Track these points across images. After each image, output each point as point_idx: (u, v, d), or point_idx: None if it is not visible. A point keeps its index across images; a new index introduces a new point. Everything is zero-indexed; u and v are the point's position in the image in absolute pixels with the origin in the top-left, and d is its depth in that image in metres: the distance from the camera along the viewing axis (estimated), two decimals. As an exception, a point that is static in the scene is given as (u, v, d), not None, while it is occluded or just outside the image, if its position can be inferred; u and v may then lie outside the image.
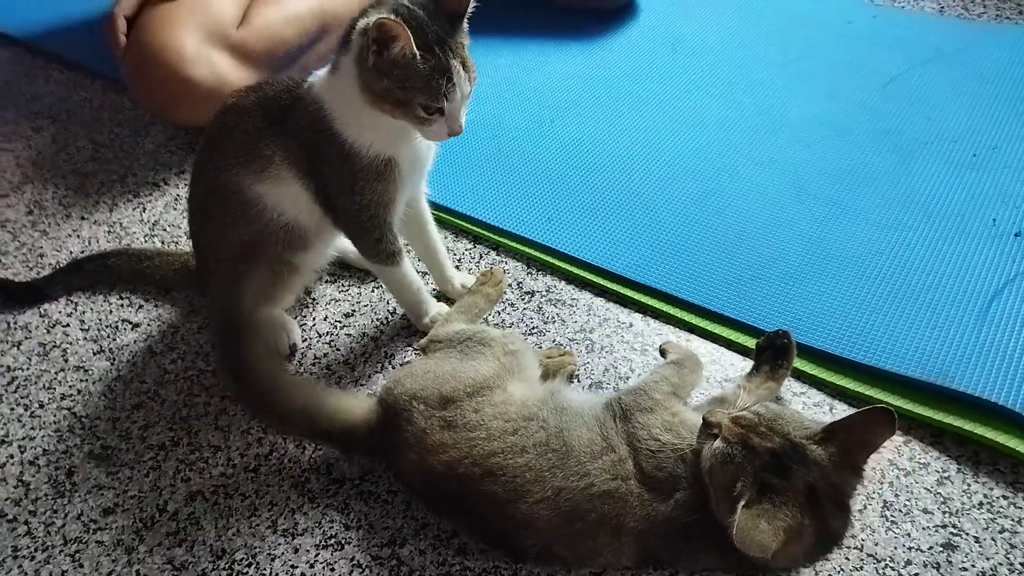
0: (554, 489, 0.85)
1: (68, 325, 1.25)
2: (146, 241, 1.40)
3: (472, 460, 0.88)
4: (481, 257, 1.31)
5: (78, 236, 1.43)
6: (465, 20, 0.95)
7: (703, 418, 0.85)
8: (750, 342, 1.12)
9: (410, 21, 0.89)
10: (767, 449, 0.78)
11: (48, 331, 1.25)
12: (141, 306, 1.28)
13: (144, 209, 1.47)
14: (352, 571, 0.92)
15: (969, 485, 0.96)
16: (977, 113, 1.48)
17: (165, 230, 1.42)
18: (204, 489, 1.01)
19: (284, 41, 1.52)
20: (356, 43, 0.94)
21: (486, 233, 1.34)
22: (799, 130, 1.49)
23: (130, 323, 1.25)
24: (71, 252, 1.39)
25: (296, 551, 0.94)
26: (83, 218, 1.47)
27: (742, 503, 0.75)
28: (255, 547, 0.95)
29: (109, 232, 1.43)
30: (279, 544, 0.95)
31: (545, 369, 1.06)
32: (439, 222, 1.35)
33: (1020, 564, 0.88)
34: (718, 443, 0.80)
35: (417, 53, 0.89)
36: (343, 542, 0.94)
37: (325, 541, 0.95)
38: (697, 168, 1.42)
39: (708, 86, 1.62)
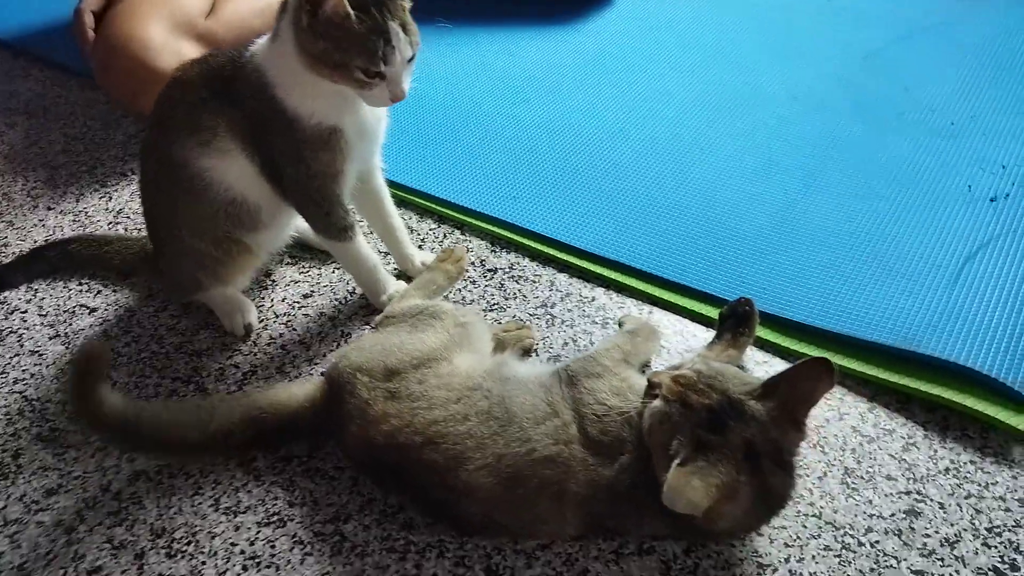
0: (495, 455, 0.82)
1: (26, 312, 1.24)
2: (110, 228, 1.39)
3: (413, 429, 0.85)
4: (445, 236, 1.29)
5: (43, 225, 1.42)
6: (408, -19, 0.92)
7: (647, 379, 0.81)
8: (715, 313, 1.08)
9: (347, -18, 0.87)
10: (704, 406, 0.75)
11: (6, 318, 1.23)
12: (100, 291, 1.26)
13: (110, 198, 1.46)
14: (293, 548, 0.89)
15: (936, 451, 0.92)
16: (957, 83, 1.45)
17: (129, 217, 1.41)
18: (148, 469, 0.99)
19: (252, 30, 1.51)
20: (291, 4, 0.92)
21: (451, 212, 1.31)
22: (774, 105, 1.46)
23: (87, 308, 1.23)
24: (35, 241, 1.38)
25: (237, 528, 0.91)
26: (49, 208, 1.46)
27: (677, 461, 0.72)
28: (196, 525, 0.92)
29: (74, 221, 1.42)
30: (220, 522, 0.92)
31: (500, 342, 1.03)
32: (403, 203, 1.34)
33: (985, 529, 0.84)
34: (657, 402, 0.77)
35: (351, 12, 0.86)
36: (286, 519, 0.92)
37: (267, 518, 0.92)
38: (666, 143, 1.39)
39: (682, 66, 1.59)
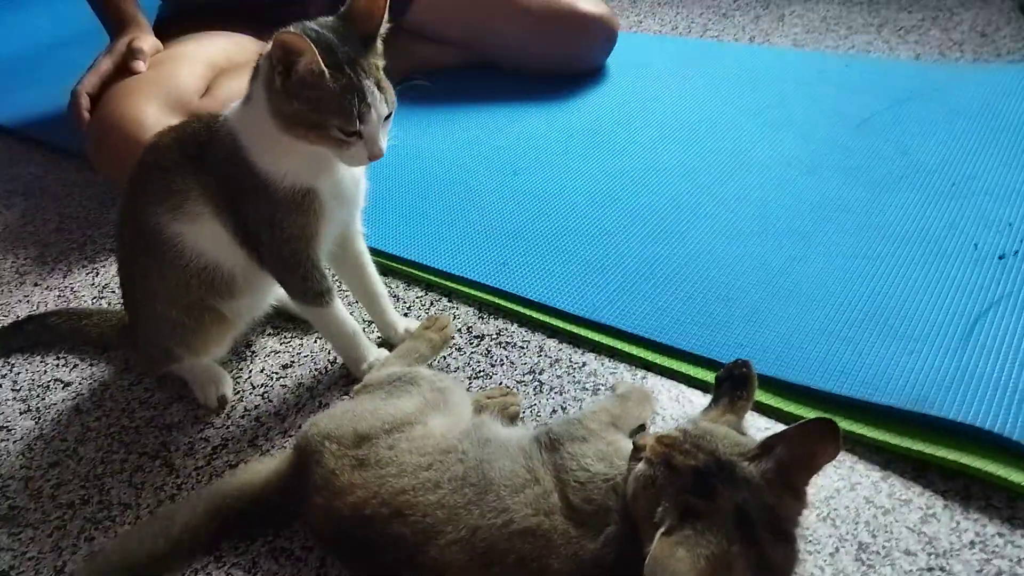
0: (469, 528, 0.75)
1: (0, 386, 1.20)
2: (94, 303, 1.36)
3: (380, 500, 0.78)
4: (432, 304, 1.25)
5: (28, 301, 1.39)
6: (379, 40, 0.92)
7: (633, 442, 0.75)
8: (712, 377, 1.02)
9: (317, 41, 0.86)
10: (690, 467, 0.68)
11: (-23, 393, 1.19)
12: (76, 364, 1.22)
13: (97, 274, 1.44)
14: (251, 636, 0.81)
15: (958, 523, 0.83)
16: (954, 146, 1.42)
17: (113, 292, 1.38)
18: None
19: None
20: (263, 68, 0.91)
21: (438, 280, 1.28)
22: (767, 170, 1.43)
23: (62, 382, 1.19)
24: (18, 316, 1.35)
25: (192, 615, 0.84)
26: (36, 284, 1.44)
27: (662, 530, 0.64)
28: (148, 611, 0.84)
29: (59, 296, 1.39)
30: (175, 607, 0.84)
31: (482, 409, 0.97)
32: (389, 271, 1.30)
33: (1022, 611, 0.75)
34: (641, 465, 0.71)
35: (325, 70, 0.85)
36: (245, 604, 0.84)
37: (225, 603, 0.84)
38: (660, 210, 1.36)
39: (674, 137, 1.58)
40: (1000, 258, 1.13)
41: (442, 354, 1.13)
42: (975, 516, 0.84)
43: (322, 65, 0.85)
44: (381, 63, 0.92)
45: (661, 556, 0.62)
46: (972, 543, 0.81)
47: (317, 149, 0.92)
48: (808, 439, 0.68)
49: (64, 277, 1.45)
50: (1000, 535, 0.81)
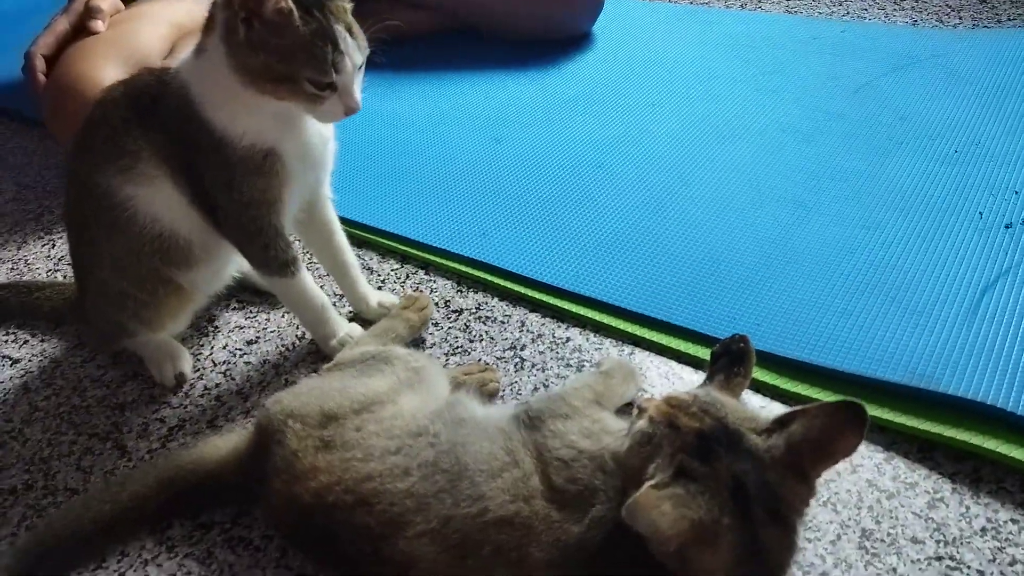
0: (440, 518, 0.68)
1: (-58, 365, 1.12)
2: (49, 276, 1.28)
3: (344, 487, 0.71)
4: (407, 277, 1.17)
5: (-23, 274, 1.31)
6: (346, -21, 0.84)
7: (636, 405, 0.69)
8: (704, 353, 0.96)
9: (281, -18, 0.78)
10: (693, 429, 0.62)
11: (-82, 371, 1.11)
12: (26, 341, 1.14)
13: (53, 245, 1.36)
14: (204, 633, 0.74)
15: (968, 508, 0.78)
16: (956, 111, 1.36)
17: (69, 264, 1.29)
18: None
19: None
20: (220, 19, 0.83)
21: (414, 251, 1.20)
22: (762, 138, 1.36)
23: (10, 359, 1.11)
24: (-34, 290, 1.26)
25: (140, 610, 0.77)
26: (-13, 257, 1.35)
27: (651, 482, 0.59)
28: (92, 606, 0.78)
29: (12, 269, 1.31)
30: (121, 602, 0.78)
31: (458, 385, 0.90)
32: (364, 243, 1.23)
33: (1038, 602, 0.69)
34: (642, 422, 0.65)
35: (295, 10, 0.77)
36: (198, 597, 0.77)
37: (177, 597, 0.77)
38: (649, 178, 1.29)
39: (664, 103, 1.51)
40: (1007, 227, 1.08)
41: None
42: (986, 501, 0.78)
43: (292, 4, 0.77)
44: (349, 5, 0.84)
45: (644, 504, 0.56)
46: (983, 530, 0.75)
47: (282, 105, 0.85)
48: (829, 421, 0.61)
49: (18, 249, 1.36)
50: (1014, 521, 0.76)
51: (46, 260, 1.32)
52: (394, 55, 0.87)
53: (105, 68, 1.35)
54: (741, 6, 1.95)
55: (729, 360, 0.87)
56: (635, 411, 0.70)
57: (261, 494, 0.78)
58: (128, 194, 0.92)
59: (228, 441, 0.83)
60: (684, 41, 1.74)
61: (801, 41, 1.67)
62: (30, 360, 1.11)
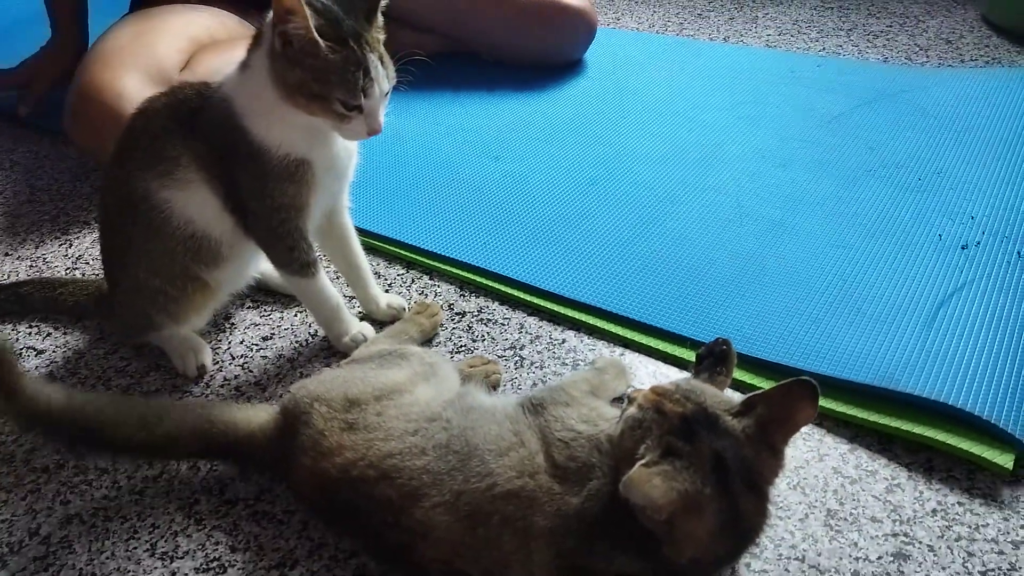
0: (453, 492, 0.76)
1: (-30, 354, 1.17)
2: (67, 274, 1.35)
3: (367, 462, 0.79)
4: (413, 281, 1.26)
5: (-2, 271, 1.37)
6: (380, 14, 0.93)
7: (627, 395, 0.78)
8: (687, 355, 1.05)
9: (323, 12, 0.87)
10: (677, 414, 0.71)
11: (-54, 360, 1.16)
12: (50, 334, 1.20)
13: (70, 244, 1.42)
14: (233, 595, 0.81)
15: (921, 492, 0.87)
16: (921, 143, 1.47)
17: (87, 263, 1.37)
18: (83, 512, 0.91)
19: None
20: (266, 34, 0.91)
21: (420, 258, 1.29)
22: (741, 162, 1.47)
23: (35, 350, 1.17)
24: (-12, 286, 1.33)
25: (173, 575, 0.84)
26: (7, 254, 1.41)
27: (642, 461, 0.67)
28: (128, 570, 0.84)
29: (31, 267, 1.37)
30: (155, 568, 0.84)
31: (468, 378, 0.99)
32: (372, 250, 1.31)
33: (979, 572, 0.79)
34: (632, 409, 0.74)
35: (316, 33, 0.86)
36: (226, 565, 0.84)
37: (207, 564, 0.84)
38: (637, 197, 1.39)
39: (653, 128, 1.62)
40: (963, 248, 1.18)
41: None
42: (937, 486, 0.88)
43: (312, 27, 0.86)
44: (382, 37, 0.93)
45: (638, 480, 0.65)
46: (934, 511, 0.85)
47: (315, 120, 0.93)
48: (788, 398, 0.71)
49: (36, 248, 1.42)
50: (960, 504, 0.85)
51: (64, 259, 1.39)
52: (402, 76, 0.97)
53: (125, 78, 1.43)
54: (724, 39, 2.07)
55: (713, 361, 0.96)
56: (626, 400, 0.79)
57: (286, 470, 0.86)
58: (165, 197, 0.99)
59: (258, 416, 0.89)
60: (671, 70, 1.85)
61: (780, 74, 1.79)
62: (54, 351, 1.17)
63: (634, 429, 0.72)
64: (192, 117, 0.99)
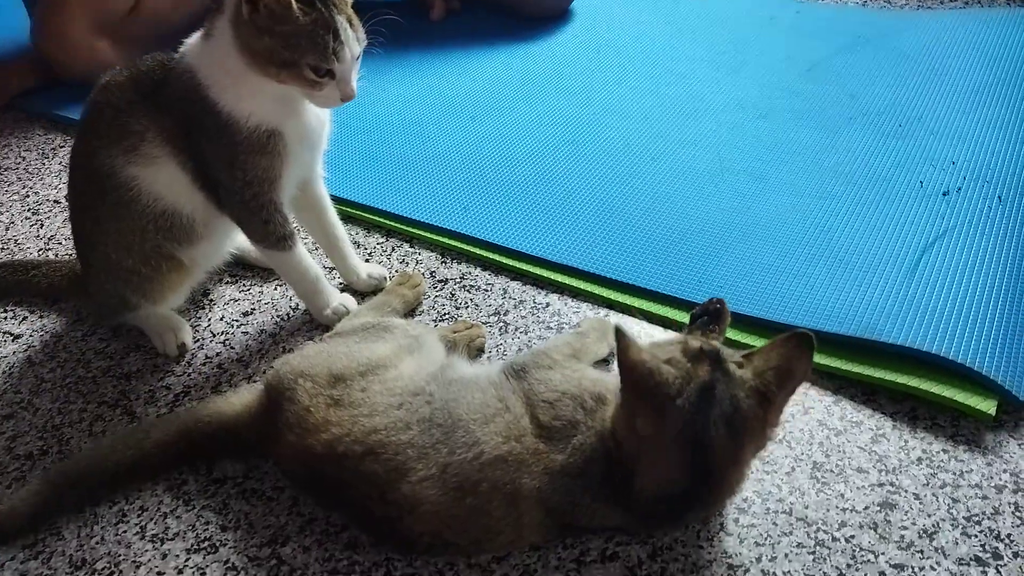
0: (439, 465, 0.76)
1: (-56, 342, 1.16)
2: (40, 255, 1.32)
3: (353, 438, 0.79)
4: (394, 250, 1.24)
5: (-32, 255, 1.34)
6: (345, -26, 0.89)
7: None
8: (671, 314, 1.05)
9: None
10: (696, 346, 0.74)
11: (-79, 348, 1.14)
12: (25, 317, 1.18)
13: (41, 225, 1.39)
14: (226, 574, 0.81)
15: (907, 441, 0.88)
16: (901, 88, 1.46)
17: (60, 244, 1.34)
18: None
19: (170, 24, 1.52)
20: (230, 3, 0.88)
21: (400, 226, 1.27)
22: (722, 114, 1.45)
23: (11, 334, 1.15)
24: (-42, 271, 1.30)
25: (164, 557, 0.83)
26: (-24, 238, 1.38)
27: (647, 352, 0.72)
28: (119, 555, 0.84)
29: (2, 249, 1.34)
30: (146, 551, 0.84)
31: (452, 344, 0.98)
32: (350, 218, 1.29)
33: (964, 519, 0.80)
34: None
35: (294, 2, 0.83)
36: (217, 544, 0.84)
37: (198, 544, 0.84)
38: (619, 153, 1.37)
39: (633, 82, 1.59)
40: (944, 195, 1.18)
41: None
42: (922, 435, 0.88)
43: None
44: None
45: (632, 343, 0.70)
46: (919, 459, 0.86)
47: (285, 89, 0.90)
48: (785, 349, 0.72)
49: (6, 230, 1.39)
50: (944, 451, 0.86)
51: (36, 240, 1.36)
52: (372, 37, 0.94)
53: (72, 26, 1.52)
54: (702, -13, 2.02)
55: (707, 319, 0.96)
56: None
57: (273, 446, 0.85)
58: (132, 174, 0.97)
59: (241, 398, 0.89)
60: (650, 22, 1.81)
61: (760, 21, 1.76)
62: (31, 335, 1.15)
63: (656, 345, 0.76)
64: (156, 90, 0.95)
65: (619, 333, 0.70)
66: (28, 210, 1.44)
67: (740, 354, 0.74)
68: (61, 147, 1.62)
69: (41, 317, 1.18)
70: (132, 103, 0.95)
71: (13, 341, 1.14)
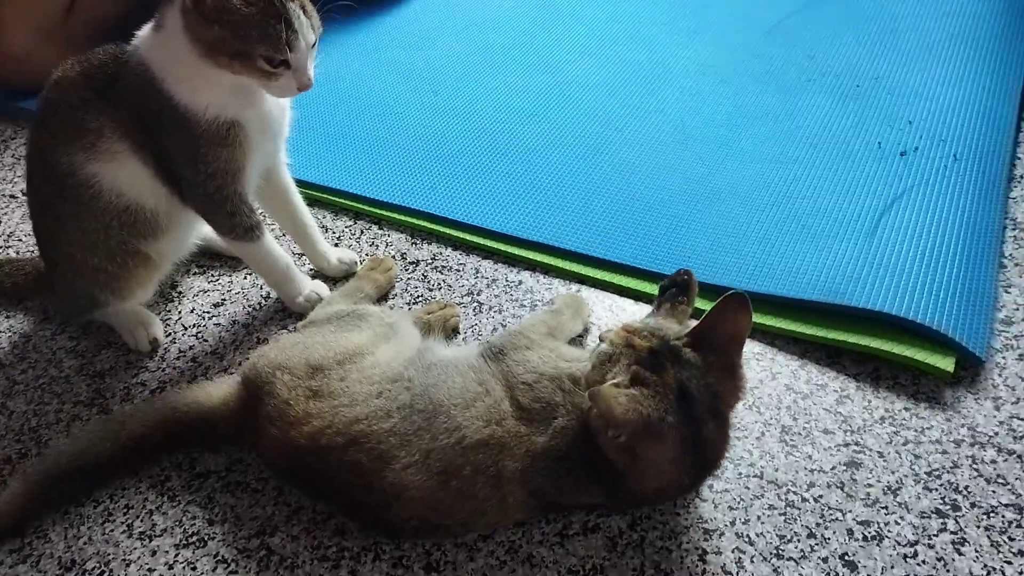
0: (422, 451, 0.77)
1: (-92, 348, 1.13)
2: (0, 253, 1.29)
3: (335, 429, 0.80)
4: (362, 233, 1.24)
5: (-75, 256, 1.30)
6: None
7: (600, 336, 0.80)
8: (642, 286, 1.07)
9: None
10: (646, 348, 0.74)
11: None
12: (-9, 319, 1.17)
13: (-1, 222, 1.36)
14: (216, 568, 0.83)
15: (870, 401, 0.91)
16: (858, 48, 1.48)
17: (20, 240, 1.31)
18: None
19: (108, 18, 1.51)
20: None
21: (367, 208, 1.26)
22: (684, 81, 1.46)
23: (-23, 338, 1.14)
24: (-85, 273, 1.27)
25: (154, 553, 0.84)
26: (-69, 237, 1.34)
27: (613, 382, 0.71)
28: (108, 554, 0.85)
29: (-40, 249, 1.31)
30: (135, 548, 0.85)
31: (427, 326, 0.99)
32: (316, 202, 1.28)
33: (925, 474, 0.84)
34: (604, 345, 0.77)
35: None
36: (206, 538, 0.85)
37: (186, 539, 0.85)
38: (582, 125, 1.38)
39: (590, 50, 1.58)
40: (902, 155, 1.21)
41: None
42: (884, 394, 0.92)
43: None
44: None
45: (606, 394, 0.69)
46: (882, 419, 0.89)
47: (242, 79, 0.89)
48: (725, 314, 0.74)
49: (-38, 228, 1.36)
50: (906, 409, 0.90)
51: (-5, 237, 1.33)
52: (327, 23, 0.92)
53: (16, 36, 1.46)
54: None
55: (676, 291, 0.98)
56: (599, 339, 0.80)
57: (254, 440, 0.86)
58: (92, 171, 0.95)
59: (219, 389, 0.90)
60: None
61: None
62: (-2, 337, 1.14)
63: (604, 363, 0.74)
64: (109, 84, 0.93)
65: (593, 395, 0.70)
66: (-17, 206, 1.41)
67: (685, 333, 0.76)
68: (12, 139, 1.57)
69: (8, 317, 1.16)
70: (85, 100, 0.93)
71: (-20, 344, 1.13)
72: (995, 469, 0.84)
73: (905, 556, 0.77)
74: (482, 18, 1.72)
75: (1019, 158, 1.25)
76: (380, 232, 1.24)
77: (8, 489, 0.87)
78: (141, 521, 0.88)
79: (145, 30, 0.93)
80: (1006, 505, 0.81)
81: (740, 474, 0.85)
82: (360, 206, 1.27)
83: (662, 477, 0.73)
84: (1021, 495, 0.81)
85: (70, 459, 0.88)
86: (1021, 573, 0.76)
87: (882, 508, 0.81)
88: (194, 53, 0.87)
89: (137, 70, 0.91)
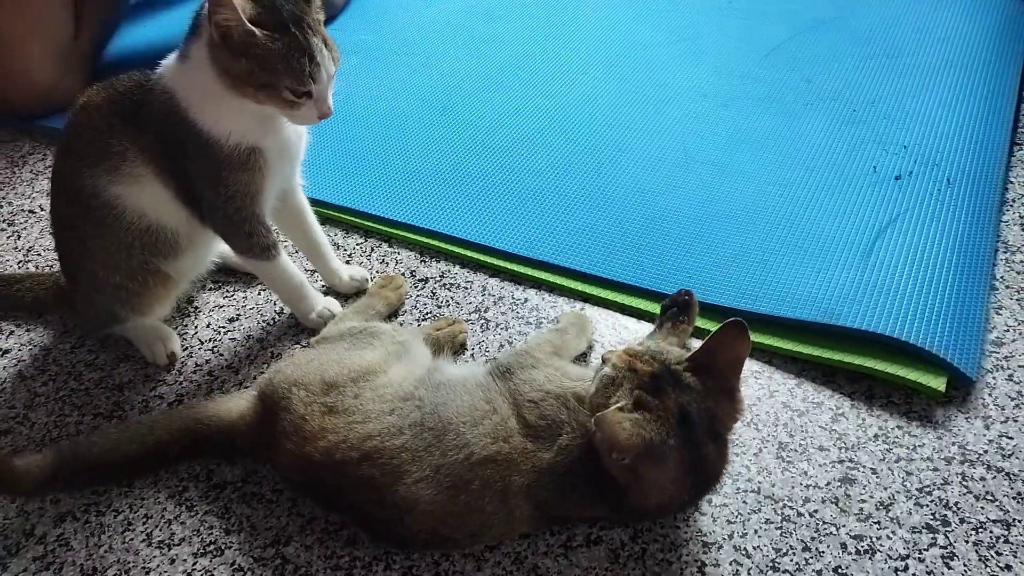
0: (432, 467, 0.81)
1: (-68, 360, 1.17)
2: (20, 268, 1.33)
3: (349, 444, 0.83)
4: (372, 251, 1.28)
5: (-54, 270, 1.34)
6: (318, -5, 0.92)
7: (602, 357, 0.83)
8: (644, 305, 1.11)
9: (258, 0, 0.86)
10: (647, 372, 0.77)
11: (-91, 368, 1.16)
12: (12, 332, 1.20)
13: (19, 237, 1.40)
14: (233, 575, 0.86)
15: (864, 419, 0.95)
16: (855, 72, 1.51)
17: (39, 255, 1.35)
18: (74, 509, 0.94)
19: (108, 38, 1.64)
20: (204, 26, 0.90)
21: (377, 226, 1.30)
22: (685, 103, 1.50)
23: (0, 350, 1.17)
24: (-62, 287, 1.30)
25: (172, 562, 0.88)
26: (-48, 252, 1.38)
27: (617, 406, 0.74)
28: (128, 562, 0.88)
29: (-19, 263, 1.35)
30: (154, 557, 0.88)
31: (436, 343, 1.03)
32: (328, 220, 1.32)
33: (916, 490, 0.87)
34: (607, 368, 0.80)
35: (249, 24, 0.85)
36: (223, 547, 0.88)
37: (203, 548, 0.89)
38: (587, 145, 1.42)
39: (596, 70, 1.62)
40: (897, 179, 1.24)
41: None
42: (878, 412, 0.95)
43: (245, 22, 0.85)
44: (322, 17, 0.92)
45: (610, 419, 0.72)
46: (876, 436, 0.93)
47: (264, 108, 0.93)
48: (726, 342, 0.77)
49: (-17, 242, 1.40)
50: (899, 427, 0.93)
51: (14, 252, 1.37)
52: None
53: (37, 67, 1.52)
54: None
55: (677, 310, 1.02)
56: (601, 361, 0.83)
57: (271, 454, 0.89)
58: (116, 193, 0.99)
59: (237, 404, 0.93)
60: (613, 6, 1.84)
61: (717, 4, 1.80)
62: (20, 349, 1.17)
63: (608, 386, 0.78)
64: (135, 111, 0.97)
65: (598, 421, 0.73)
66: (3, 221, 1.44)
67: (685, 357, 0.79)
68: (30, 154, 1.61)
69: (28, 331, 1.20)
70: (111, 124, 0.97)
71: (2, 356, 1.16)
72: (984, 486, 0.87)
73: (896, 570, 0.81)
74: (488, 38, 1.76)
75: (1011, 182, 1.29)
76: (390, 250, 1.28)
77: (41, 454, 0.90)
78: (160, 530, 0.91)
79: (170, 60, 0.97)
80: (994, 521, 0.84)
81: (738, 489, 0.89)
82: (370, 224, 1.31)
83: (663, 495, 0.77)
84: (1009, 511, 0.85)
85: (101, 451, 0.91)
86: (1008, 587, 0.79)
87: (875, 523, 0.85)
88: (220, 84, 0.91)
89: (162, 98, 0.95)
